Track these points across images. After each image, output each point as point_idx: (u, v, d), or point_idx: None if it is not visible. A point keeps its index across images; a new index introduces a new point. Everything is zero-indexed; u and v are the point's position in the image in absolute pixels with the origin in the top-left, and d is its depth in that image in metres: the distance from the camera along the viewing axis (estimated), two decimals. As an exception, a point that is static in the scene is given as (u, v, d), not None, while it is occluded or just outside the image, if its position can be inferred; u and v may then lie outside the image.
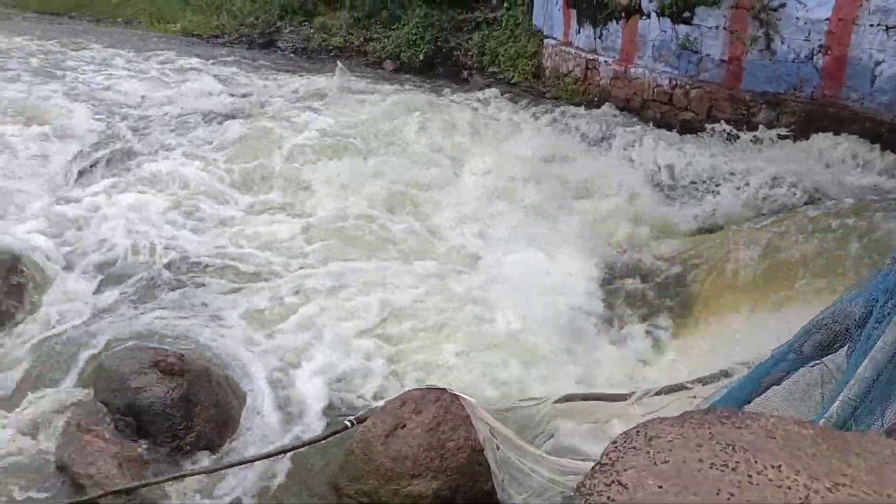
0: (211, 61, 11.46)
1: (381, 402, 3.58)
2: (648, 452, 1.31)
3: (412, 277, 5.54)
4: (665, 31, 8.34)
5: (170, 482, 3.49)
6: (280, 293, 5.18)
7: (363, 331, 4.81)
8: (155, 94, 9.53)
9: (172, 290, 5.12)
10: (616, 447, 1.37)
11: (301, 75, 10.84)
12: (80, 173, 6.76)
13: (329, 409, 4.11)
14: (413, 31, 12.27)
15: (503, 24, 11.59)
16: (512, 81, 10.84)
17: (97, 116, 8.49)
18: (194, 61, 11.30)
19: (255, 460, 3.67)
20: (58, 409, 4.02)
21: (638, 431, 1.39)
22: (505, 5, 11.85)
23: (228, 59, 11.84)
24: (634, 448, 1.33)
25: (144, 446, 3.69)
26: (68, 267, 5.21)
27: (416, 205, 6.76)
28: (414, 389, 3.54)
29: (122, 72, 10.60)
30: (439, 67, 12.06)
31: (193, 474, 3.60)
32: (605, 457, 1.36)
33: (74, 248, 5.43)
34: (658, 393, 3.41)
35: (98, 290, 5.04)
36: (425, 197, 6.88)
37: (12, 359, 4.42)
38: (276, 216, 6.42)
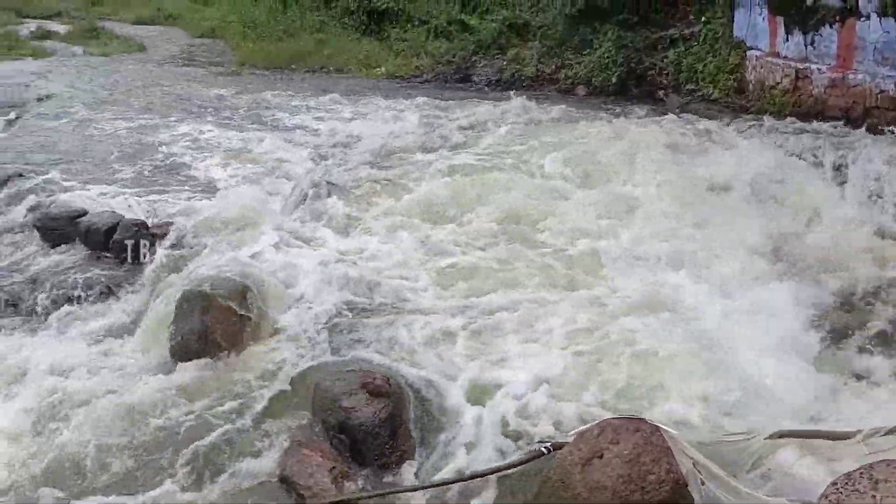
0: (408, 99, 12.14)
1: (577, 430, 3.54)
2: (874, 496, 1.18)
3: (606, 301, 5.44)
4: (889, 32, 7.56)
5: (377, 497, 3.70)
6: (464, 320, 5.30)
7: (552, 357, 4.79)
8: (358, 132, 10.27)
9: (374, 314, 5.45)
10: (837, 489, 1.26)
11: (492, 105, 11.15)
12: (296, 205, 7.44)
13: (521, 435, 4.13)
14: (605, 55, 12.18)
15: (701, 40, 11.14)
16: (712, 98, 10.38)
17: (310, 154, 9.34)
18: (392, 101, 12.05)
19: (455, 482, 3.78)
20: (281, 426, 4.44)
21: (862, 473, 1.27)
22: (703, 19, 11.39)
23: (424, 96, 12.47)
24: (858, 491, 1.22)
25: (355, 463, 3.95)
26: (290, 293, 5.71)
27: (605, 230, 6.64)
28: (612, 418, 3.46)
29: (330, 113, 11.58)
30: (633, 89, 11.85)
31: (400, 492, 3.79)
32: (824, 499, 1.25)
33: (294, 275, 5.94)
34: (889, 433, 3.03)
35: (313, 314, 5.46)
36: (615, 223, 6.74)
37: (241, 378, 4.93)
38: (461, 239, 6.62)
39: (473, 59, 14.45)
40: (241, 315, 5.23)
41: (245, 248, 6.30)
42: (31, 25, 25.27)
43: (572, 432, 3.59)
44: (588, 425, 3.51)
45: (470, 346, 5.02)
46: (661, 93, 11.42)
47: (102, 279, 6.29)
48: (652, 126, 9.07)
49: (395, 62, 15.28)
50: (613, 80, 11.95)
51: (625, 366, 4.64)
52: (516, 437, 4.12)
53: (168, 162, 9.30)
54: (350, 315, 5.43)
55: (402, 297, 5.68)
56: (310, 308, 5.50)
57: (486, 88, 13.42)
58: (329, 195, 7.62)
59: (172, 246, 6.38)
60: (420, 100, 12.02)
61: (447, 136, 9.68)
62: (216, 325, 5.15)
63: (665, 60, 11.55)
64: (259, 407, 4.63)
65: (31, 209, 7.58)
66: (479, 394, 4.49)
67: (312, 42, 16.99)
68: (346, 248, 6.39)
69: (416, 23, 16.21)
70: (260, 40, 18.47)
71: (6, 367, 5.18)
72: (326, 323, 5.33)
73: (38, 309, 6.01)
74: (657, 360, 4.66)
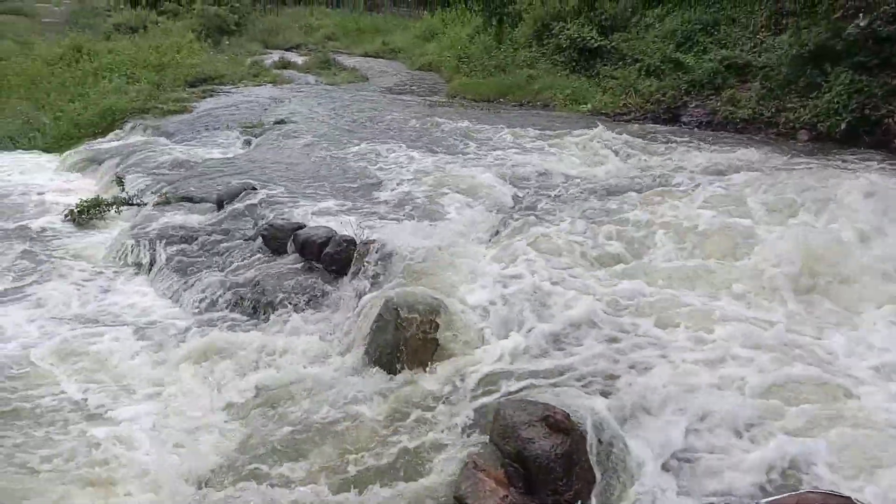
0: (613, 137, 11.98)
1: (770, 500, 3.25)
2: None
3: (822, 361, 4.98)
4: None
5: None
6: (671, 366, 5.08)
7: (757, 412, 4.46)
8: (559, 168, 10.32)
9: (568, 344, 5.40)
10: None
11: (703, 150, 10.71)
12: (496, 233, 7.60)
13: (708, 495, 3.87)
14: (835, 99, 11.27)
15: (951, 86, 9.94)
16: (962, 150, 9.20)
17: (510, 185, 9.53)
18: (597, 138, 11.96)
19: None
20: (458, 447, 4.54)
21: None
22: (956, 64, 10.18)
23: (630, 134, 12.27)
24: None
25: (528, 494, 3.93)
26: (483, 319, 5.83)
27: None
28: (810, 492, 3.15)
29: (531, 147, 11.74)
30: (865, 137, 10.83)
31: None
32: None
33: (488, 302, 6.06)
34: None
35: (503, 343, 5.53)
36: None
37: (426, 394, 5.10)
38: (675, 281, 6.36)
39: (685, 98, 14.00)
40: (432, 335, 5.44)
41: (442, 272, 6.54)
42: (275, 56, 28.36)
43: (764, 501, 3.32)
44: (784, 496, 3.22)
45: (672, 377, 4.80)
46: (898, 142, 10.33)
47: (314, 288, 6.84)
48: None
49: (601, 99, 15.21)
50: (842, 126, 11.01)
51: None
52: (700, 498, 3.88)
53: (379, 184, 9.93)
54: (541, 348, 5.42)
55: (602, 334, 5.57)
56: (501, 336, 5.58)
57: (696, 129, 12.95)
58: (529, 227, 7.72)
59: (377, 263, 6.77)
60: (625, 137, 11.85)
61: (659, 175, 9.46)
62: (408, 341, 5.41)
63: (906, 108, 10.45)
64: (439, 425, 4.78)
65: (259, 219, 8.45)
66: (661, 448, 4.29)
67: (522, 77, 17.41)
68: (542, 282, 6.38)
69: (629, 61, 16.04)
70: (472, 74, 19.27)
71: (238, 356, 5.83)
72: (514, 352, 5.38)
73: (261, 309, 6.66)
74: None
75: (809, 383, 4.80)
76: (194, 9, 35.21)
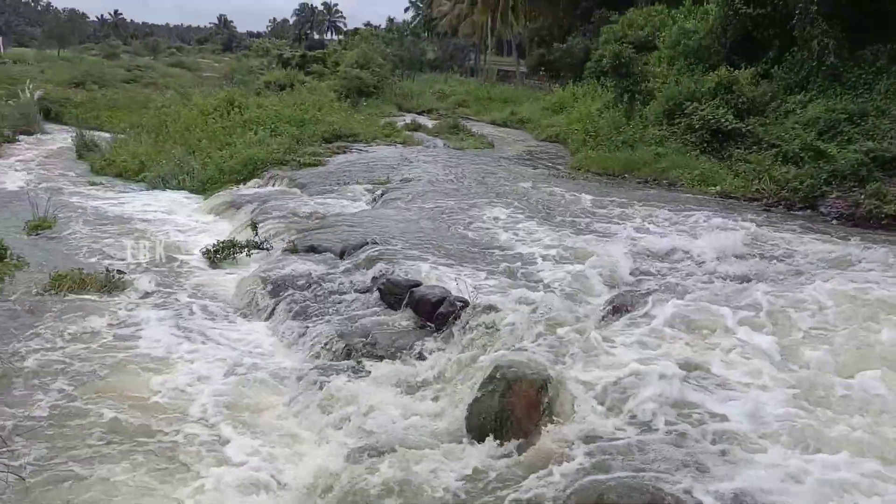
0: (743, 222, 11.54)
1: None
2: None
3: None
4: None
5: None
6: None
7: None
8: (683, 246, 10.00)
9: (673, 436, 5.12)
10: None
11: (846, 244, 10.07)
12: (615, 310, 7.41)
13: None
14: None
15: None
16: None
17: (631, 261, 9.32)
18: (726, 220, 11.55)
19: None
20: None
21: None
22: None
23: (762, 221, 11.78)
24: None
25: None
26: (593, 393, 5.66)
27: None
28: None
29: (656, 224, 11.48)
30: None
31: None
32: None
33: (598, 377, 5.88)
34: None
35: (608, 423, 5.32)
36: None
37: (526, 468, 4.97)
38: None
39: (824, 188, 13.32)
40: (539, 405, 5.32)
41: (552, 344, 6.44)
42: (407, 118, 29.60)
43: None
44: None
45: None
46: None
47: (424, 345, 6.91)
48: None
49: (732, 182, 14.74)
50: None
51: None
52: None
53: (496, 249, 10.00)
54: (653, 430, 5.18)
55: (729, 431, 5.25)
56: (605, 415, 5.38)
57: (835, 221, 12.24)
58: (647, 305, 7.48)
59: (488, 327, 6.76)
60: (761, 229, 11.35)
61: (799, 269, 8.99)
62: (513, 411, 5.32)
63: None
64: (536, 498, 4.61)
65: (378, 274, 8.68)
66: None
67: (649, 154, 17.20)
68: (657, 364, 6.13)
69: (764, 146, 15.52)
70: (598, 148, 19.25)
71: (345, 405, 5.93)
72: (619, 434, 5.16)
73: (367, 358, 6.77)
74: None
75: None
76: (338, 71, 37.49)
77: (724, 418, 5.25)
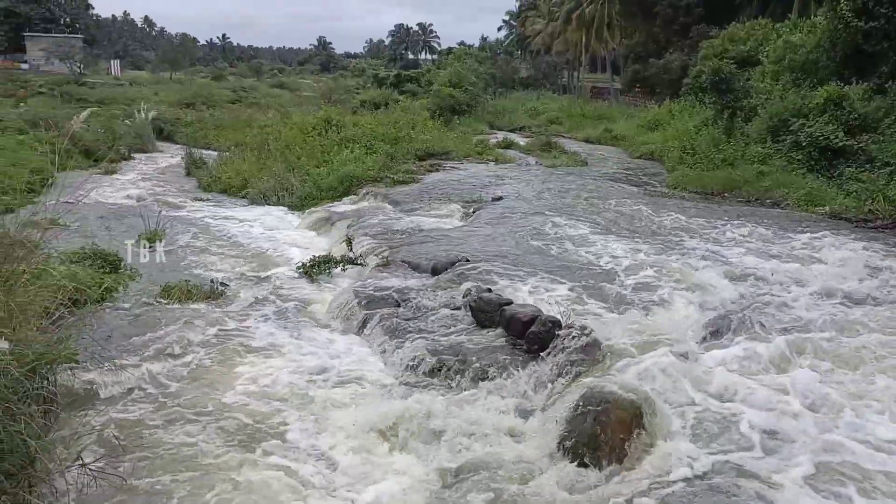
0: (855, 244, 10.91)
1: None
2: None
3: None
4: None
5: None
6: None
7: None
8: (789, 269, 9.55)
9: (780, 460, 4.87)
10: None
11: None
12: (715, 334, 7.14)
13: None
14: None
15: None
16: None
17: (731, 283, 8.97)
18: (838, 244, 10.95)
19: None
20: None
21: None
22: None
23: (876, 244, 11.11)
24: None
25: None
26: (684, 423, 5.46)
27: None
28: None
29: (761, 246, 11.00)
30: None
31: None
32: None
33: (695, 406, 5.68)
34: None
35: (704, 455, 5.12)
36: None
37: (617, 495, 4.82)
38: None
39: (947, 209, 12.46)
40: (634, 432, 5.17)
41: (648, 367, 6.26)
42: (499, 136, 29.71)
43: None
44: None
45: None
46: None
47: (515, 364, 6.85)
48: None
49: (842, 202, 13.99)
50: None
51: None
52: None
53: (589, 268, 9.84)
54: (744, 463, 4.95)
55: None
56: (702, 444, 5.18)
57: (958, 246, 11.39)
58: (749, 334, 7.18)
59: (581, 348, 6.65)
60: (876, 252, 10.71)
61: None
62: (606, 433, 5.19)
63: None
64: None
65: (470, 291, 8.70)
66: None
67: (751, 172, 16.57)
68: (757, 392, 5.87)
69: (878, 164, 14.66)
70: (696, 166, 18.70)
71: (435, 422, 5.95)
72: (715, 464, 4.95)
73: (459, 378, 6.77)
74: None
75: None
76: (432, 89, 38.09)
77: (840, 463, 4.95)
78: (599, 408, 5.36)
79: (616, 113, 36.11)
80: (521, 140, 28.64)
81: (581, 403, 5.56)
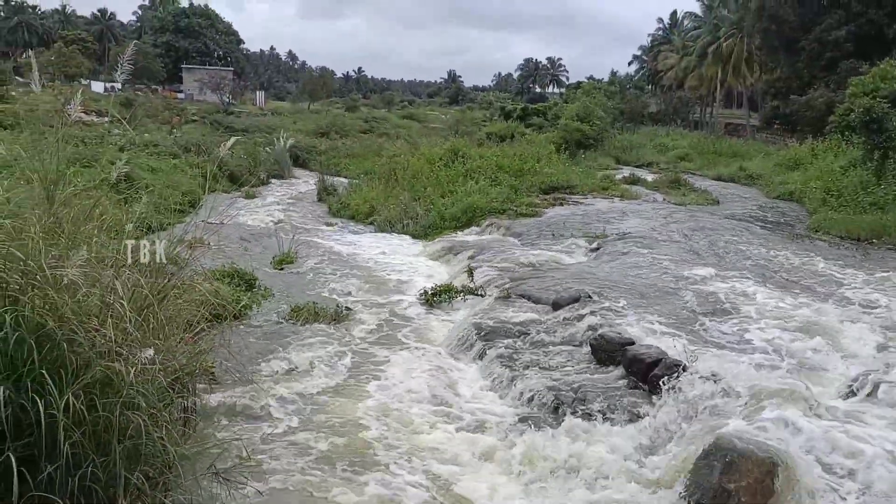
0: None
1: None
2: None
3: None
4: None
5: None
6: None
7: None
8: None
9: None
10: None
11: None
12: (857, 390, 6.61)
13: None
14: None
15: None
16: None
17: (882, 336, 8.30)
18: None
19: None
20: None
21: None
22: None
23: None
24: None
25: None
26: (827, 485, 5.05)
27: None
28: None
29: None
30: None
31: None
32: None
33: (835, 468, 5.25)
34: None
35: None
36: None
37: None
38: None
39: None
40: (764, 489, 4.84)
41: (784, 421, 5.86)
42: (625, 171, 29.17)
43: None
44: None
45: None
46: None
47: (637, 407, 6.62)
48: None
49: None
50: None
51: None
52: None
53: (720, 313, 9.38)
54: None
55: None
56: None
57: None
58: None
59: (707, 395, 6.33)
60: None
61: None
62: (734, 488, 4.88)
63: None
64: None
65: (591, 328, 8.52)
66: None
67: (904, 218, 15.34)
68: None
69: None
70: (842, 209, 17.53)
71: (544, 455, 5.85)
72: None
73: (580, 417, 6.60)
74: None
75: None
76: (559, 123, 38.04)
77: None
78: (726, 462, 5.05)
79: (752, 150, 34.55)
80: (648, 176, 27.98)
81: (706, 455, 5.27)
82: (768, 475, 4.93)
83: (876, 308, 9.78)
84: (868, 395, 6.51)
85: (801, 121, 36.15)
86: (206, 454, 4.86)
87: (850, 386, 6.74)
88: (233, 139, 5.71)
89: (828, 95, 33.06)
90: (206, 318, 5.90)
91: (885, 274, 11.80)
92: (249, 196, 22.65)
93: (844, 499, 4.90)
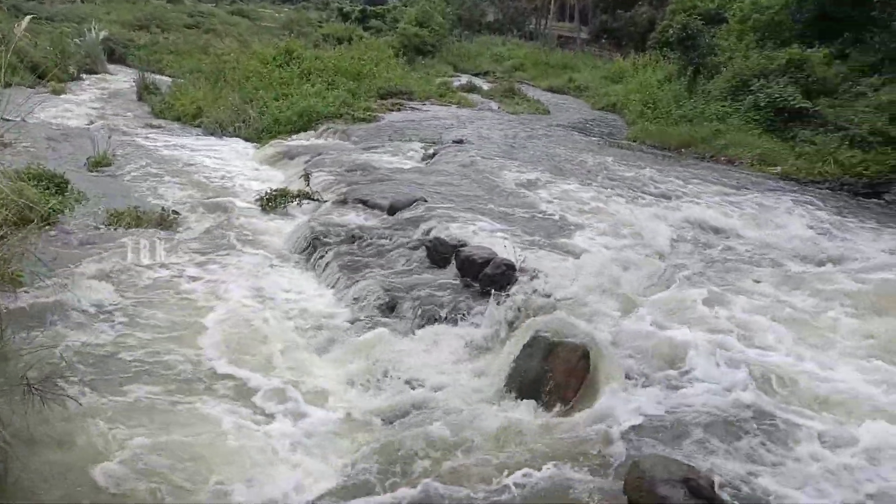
0: (803, 204, 11.22)
1: None
2: None
3: None
4: None
5: None
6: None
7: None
8: (733, 227, 9.79)
9: (714, 417, 5.08)
10: None
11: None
12: (658, 282, 7.34)
13: None
14: None
15: None
16: None
17: (678, 236, 9.18)
18: (786, 203, 11.23)
19: None
20: (588, 493, 4.38)
21: None
22: None
23: (822, 205, 11.43)
24: None
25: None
26: (629, 364, 5.63)
27: None
28: None
29: (710, 202, 11.19)
30: None
31: None
32: None
33: (639, 349, 5.84)
34: None
35: (650, 394, 5.30)
36: None
37: (563, 431, 4.99)
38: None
39: (890, 175, 12.83)
40: (581, 370, 5.32)
41: (597, 311, 6.41)
42: (463, 79, 29.31)
43: None
44: None
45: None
46: None
47: (468, 305, 6.92)
48: None
49: (794, 163, 14.27)
50: None
51: None
52: None
53: (544, 215, 9.91)
54: (696, 411, 5.13)
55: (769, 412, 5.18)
56: (647, 386, 5.35)
57: (899, 210, 11.82)
58: (689, 283, 7.38)
59: (532, 290, 6.75)
60: (819, 206, 11.05)
61: (830, 252, 8.77)
62: (554, 372, 5.33)
63: None
64: (572, 467, 4.63)
65: (426, 231, 8.70)
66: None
67: (709, 130, 16.74)
68: (703, 338, 6.06)
69: (831, 128, 14.96)
70: (656, 120, 18.81)
71: (378, 352, 6.01)
72: (662, 407, 5.13)
73: (411, 317, 6.82)
74: None
75: None
76: (397, 27, 37.24)
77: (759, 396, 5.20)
78: (545, 349, 5.47)
79: (581, 63, 35.87)
80: (484, 85, 28.33)
81: (528, 344, 5.67)
82: (582, 358, 5.41)
83: (680, 210, 10.69)
84: (665, 285, 7.27)
85: (625, 36, 37.93)
86: (14, 364, 4.51)
87: (651, 278, 7.46)
88: (27, 18, 5.02)
89: (651, 12, 34.79)
90: (11, 222, 5.36)
91: (689, 180, 12.90)
92: (57, 91, 20.42)
93: (642, 376, 5.49)
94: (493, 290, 7.05)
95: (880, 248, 9.37)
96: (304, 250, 8.81)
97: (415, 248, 8.50)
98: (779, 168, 14.31)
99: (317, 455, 4.89)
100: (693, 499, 3.81)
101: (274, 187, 11.07)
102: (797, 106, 15.92)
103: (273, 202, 10.55)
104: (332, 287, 7.82)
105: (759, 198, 11.65)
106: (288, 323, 6.84)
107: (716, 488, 3.88)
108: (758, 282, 7.64)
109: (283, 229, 9.68)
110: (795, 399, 5.29)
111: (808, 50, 17.33)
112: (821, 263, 8.49)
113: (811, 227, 10.18)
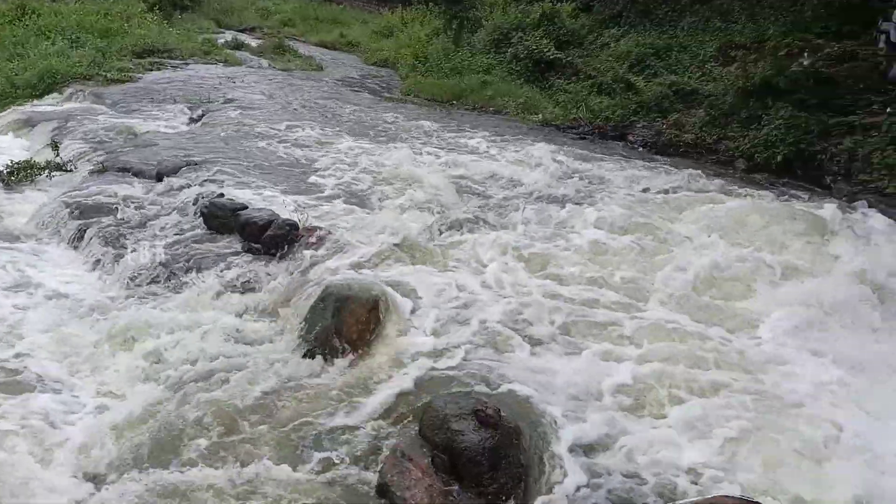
0: (561, 148, 12.16)
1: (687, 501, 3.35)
2: None
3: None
4: None
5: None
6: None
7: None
8: (502, 173, 10.39)
9: (509, 344, 5.45)
10: None
11: (646, 168, 10.99)
12: (444, 230, 7.63)
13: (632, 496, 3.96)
14: (773, 133, 11.70)
15: (883, 129, 10.45)
16: (886, 192, 9.68)
17: (452, 185, 9.56)
18: (547, 148, 12.08)
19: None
20: (387, 434, 4.54)
21: None
22: (888, 110, 10.70)
23: (577, 148, 12.47)
24: None
25: (453, 485, 3.95)
26: (418, 311, 5.82)
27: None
28: (727, 496, 3.26)
29: (480, 150, 11.77)
30: (798, 171, 11.29)
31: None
32: None
33: (425, 296, 6.07)
34: None
35: (437, 337, 5.54)
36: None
37: (359, 380, 5.08)
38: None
39: (632, 118, 14.33)
40: (370, 322, 5.41)
41: (385, 263, 6.54)
42: (228, 36, 27.76)
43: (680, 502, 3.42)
44: (699, 498, 3.33)
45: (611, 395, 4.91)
46: (828, 179, 10.78)
47: (252, 269, 6.72)
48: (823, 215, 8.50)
49: (553, 111, 15.40)
50: (778, 158, 11.43)
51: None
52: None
53: (322, 171, 9.80)
54: (477, 344, 5.45)
55: (533, 336, 5.63)
56: (435, 329, 5.59)
57: (641, 149, 13.25)
58: (469, 228, 7.76)
59: (317, 248, 6.71)
60: (570, 150, 12.04)
61: (584, 190, 9.68)
62: (346, 326, 5.37)
63: (838, 147, 10.90)
64: (369, 411, 4.75)
65: (199, 197, 8.24)
66: (592, 445, 4.38)
67: (476, 82, 17.48)
68: (479, 279, 6.43)
69: (582, 77, 16.32)
70: (428, 74, 19.26)
71: (164, 333, 5.67)
72: (448, 347, 5.39)
73: (195, 286, 6.47)
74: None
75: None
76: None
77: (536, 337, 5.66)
78: (336, 305, 5.48)
79: (351, 17, 35.53)
80: (252, 41, 27.08)
81: (319, 302, 5.64)
82: (371, 311, 5.50)
83: (454, 160, 11.11)
84: (447, 233, 7.59)
85: (392, -10, 38.13)
86: None
87: (436, 227, 7.73)
88: None
89: (414, -34, 35.23)
90: None
91: (459, 130, 13.45)
92: None
93: (433, 322, 5.72)
94: (277, 252, 6.93)
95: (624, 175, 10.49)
96: (59, 228, 7.96)
97: (189, 214, 8.04)
98: (540, 115, 15.36)
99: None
100: (482, 427, 4.08)
101: (17, 159, 9.82)
102: (551, 57, 17.12)
103: (16, 176, 9.37)
104: (98, 265, 7.17)
105: (522, 145, 12.40)
106: (40, 310, 6.18)
107: (501, 413, 4.16)
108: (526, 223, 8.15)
109: (31, 205, 8.66)
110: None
111: (559, 4, 18.63)
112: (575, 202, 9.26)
113: (566, 167, 11.01)
